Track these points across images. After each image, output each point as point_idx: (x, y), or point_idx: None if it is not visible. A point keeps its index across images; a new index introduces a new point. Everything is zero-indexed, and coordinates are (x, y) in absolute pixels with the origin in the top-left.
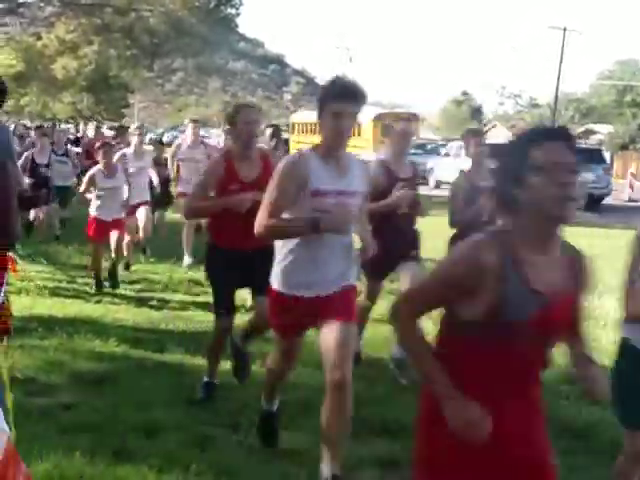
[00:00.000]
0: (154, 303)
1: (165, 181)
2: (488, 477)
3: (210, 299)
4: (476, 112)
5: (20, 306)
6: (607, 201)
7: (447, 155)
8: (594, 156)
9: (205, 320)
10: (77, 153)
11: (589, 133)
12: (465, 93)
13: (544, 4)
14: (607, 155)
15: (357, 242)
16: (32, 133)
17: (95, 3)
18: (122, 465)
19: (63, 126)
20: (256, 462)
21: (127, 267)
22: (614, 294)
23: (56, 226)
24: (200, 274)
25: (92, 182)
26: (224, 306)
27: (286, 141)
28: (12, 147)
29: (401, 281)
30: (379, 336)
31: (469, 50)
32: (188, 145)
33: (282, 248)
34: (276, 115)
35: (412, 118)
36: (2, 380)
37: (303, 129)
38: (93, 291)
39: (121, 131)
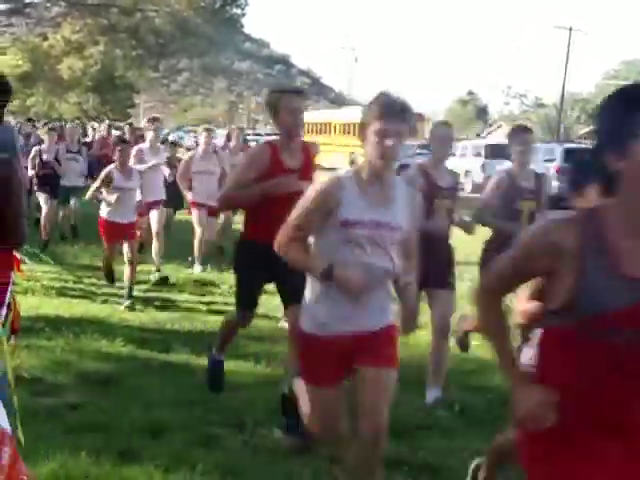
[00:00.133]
0: (160, 303)
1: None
2: None
3: (216, 299)
4: (482, 112)
5: (27, 306)
6: None
7: (453, 155)
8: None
9: (211, 320)
10: (88, 148)
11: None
12: (471, 93)
13: (550, 4)
14: None
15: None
16: (38, 131)
17: (101, 4)
18: (128, 465)
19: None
20: (261, 462)
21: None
22: None
23: (65, 224)
24: (206, 275)
25: (108, 180)
26: (248, 302)
27: None
28: (17, 146)
29: (432, 313)
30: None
31: (475, 50)
32: (200, 156)
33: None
34: None
35: (417, 118)
36: (8, 380)
37: (309, 129)
38: (101, 291)
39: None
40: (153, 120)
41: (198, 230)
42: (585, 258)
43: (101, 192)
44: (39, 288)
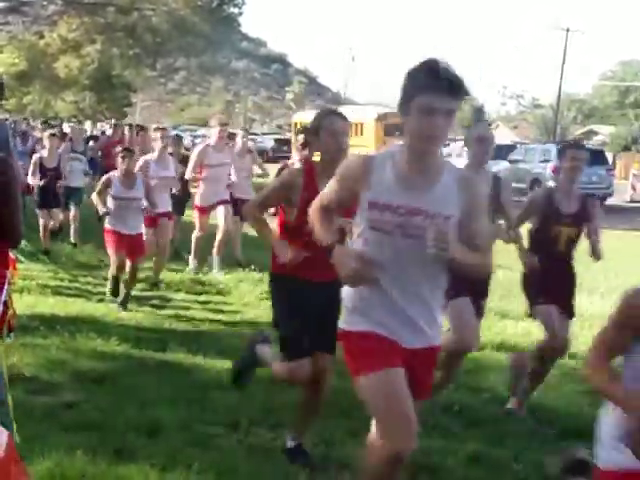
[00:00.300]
0: (156, 302)
1: (184, 182)
2: None
3: (212, 298)
4: (478, 112)
5: (22, 305)
6: (609, 202)
7: (449, 155)
8: (596, 157)
9: (206, 319)
10: (91, 148)
11: (591, 134)
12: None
13: (547, 4)
14: (609, 156)
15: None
16: (36, 132)
17: (98, 2)
18: (124, 464)
19: (68, 124)
20: (257, 461)
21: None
22: (616, 295)
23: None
24: (202, 274)
25: (107, 187)
26: (298, 348)
27: (288, 141)
28: (11, 144)
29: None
30: None
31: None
32: (213, 147)
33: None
34: (278, 115)
35: None
36: (4, 379)
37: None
38: (96, 290)
39: (140, 132)
40: (161, 130)
41: (198, 233)
42: None
43: (104, 202)
44: (34, 287)
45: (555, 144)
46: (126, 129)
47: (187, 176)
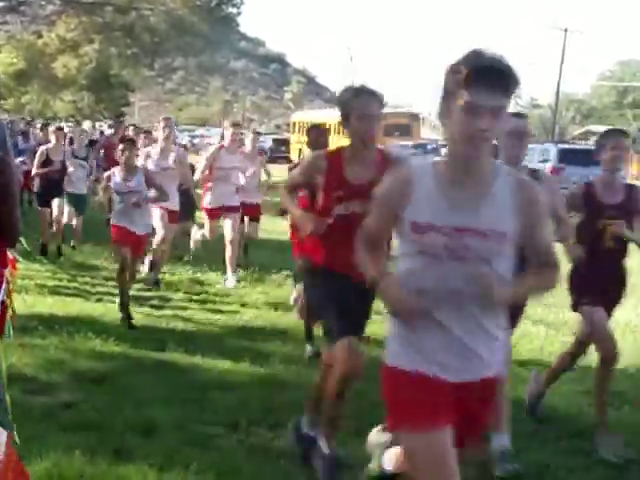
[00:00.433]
0: (154, 302)
1: (186, 189)
2: None
3: (210, 298)
4: None
5: (21, 305)
6: None
7: None
8: (595, 157)
9: (205, 319)
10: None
11: (590, 134)
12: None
13: (545, 4)
14: None
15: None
16: (37, 131)
17: (96, 2)
18: (122, 464)
19: (66, 125)
20: (256, 461)
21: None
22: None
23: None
24: (200, 274)
25: (108, 181)
26: (342, 325)
27: (286, 141)
28: (8, 142)
29: None
30: None
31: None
32: (226, 150)
33: None
34: (277, 114)
35: (412, 118)
36: (2, 379)
37: (304, 128)
38: (95, 290)
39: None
40: (165, 120)
41: (208, 235)
42: None
43: (108, 203)
44: (33, 287)
45: (553, 144)
46: (130, 130)
47: (196, 177)
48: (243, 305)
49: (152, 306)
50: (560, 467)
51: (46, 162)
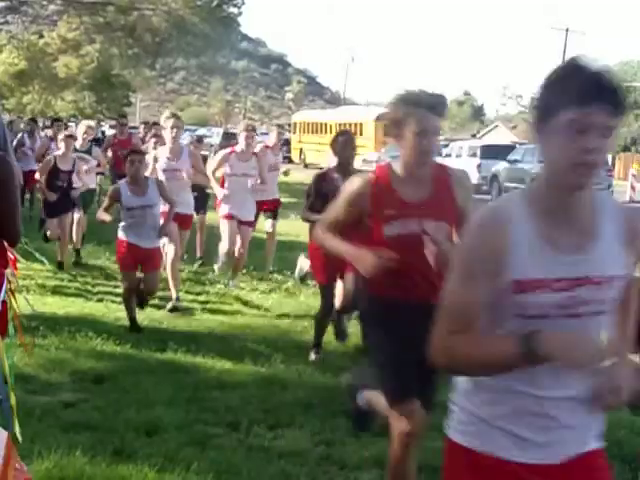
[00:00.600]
0: (155, 302)
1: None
2: None
3: (212, 298)
4: (478, 112)
5: (21, 304)
6: None
7: (449, 156)
8: None
9: (205, 319)
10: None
11: None
12: (467, 93)
13: (547, 4)
14: (608, 156)
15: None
16: (47, 130)
17: (97, 2)
18: (123, 464)
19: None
20: (256, 461)
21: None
22: None
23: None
24: (201, 273)
25: (115, 200)
26: (400, 389)
27: (287, 141)
28: (7, 141)
29: None
30: None
31: (471, 50)
32: (238, 157)
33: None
34: (278, 115)
35: None
36: (6, 379)
37: (305, 129)
38: (96, 289)
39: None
40: (173, 117)
41: (226, 245)
42: None
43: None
44: (34, 286)
45: None
46: (141, 128)
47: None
48: (244, 305)
49: (153, 306)
50: None
51: (53, 171)
